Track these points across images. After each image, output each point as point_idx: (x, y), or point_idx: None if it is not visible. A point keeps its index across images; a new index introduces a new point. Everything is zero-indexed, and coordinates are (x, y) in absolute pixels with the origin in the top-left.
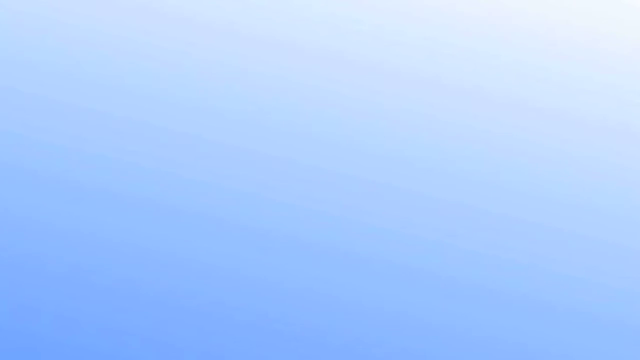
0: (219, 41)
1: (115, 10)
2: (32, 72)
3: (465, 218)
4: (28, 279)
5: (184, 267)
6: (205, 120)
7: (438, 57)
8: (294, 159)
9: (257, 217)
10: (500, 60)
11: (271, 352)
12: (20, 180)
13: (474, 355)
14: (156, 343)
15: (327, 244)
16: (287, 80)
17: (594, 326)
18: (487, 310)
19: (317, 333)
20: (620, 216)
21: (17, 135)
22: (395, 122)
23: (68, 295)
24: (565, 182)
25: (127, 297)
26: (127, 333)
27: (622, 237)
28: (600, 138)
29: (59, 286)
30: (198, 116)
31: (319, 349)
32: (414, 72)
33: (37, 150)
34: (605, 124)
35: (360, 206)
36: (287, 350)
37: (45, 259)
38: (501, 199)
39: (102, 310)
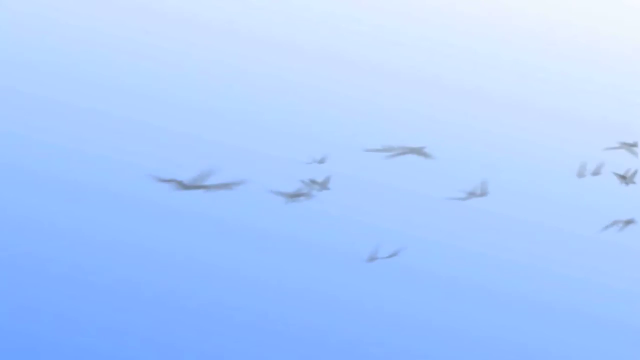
0: (219, 41)
1: (115, 10)
2: (32, 72)
3: (465, 218)
4: (28, 279)
5: (184, 267)
6: (205, 120)
7: (438, 57)
8: (293, 159)
9: (257, 217)
10: (500, 60)
11: (271, 352)
12: (20, 180)
13: (474, 355)
14: (156, 343)
15: (327, 244)
16: (287, 81)
17: (594, 326)
18: (487, 310)
19: (317, 333)
20: (620, 216)
21: (17, 135)
22: (396, 122)
23: (68, 295)
24: (565, 182)
25: (127, 297)
26: (127, 333)
27: (622, 237)
28: (601, 138)
29: (59, 286)
30: (198, 116)
31: (319, 349)
32: (414, 72)
33: (37, 150)
34: (605, 124)
35: (360, 206)
36: (287, 350)
37: (46, 259)
38: (501, 199)
39: (102, 310)
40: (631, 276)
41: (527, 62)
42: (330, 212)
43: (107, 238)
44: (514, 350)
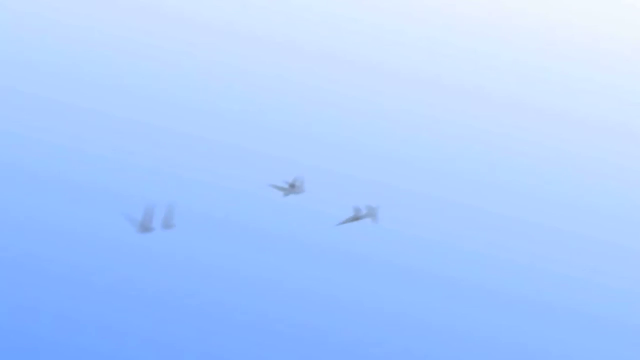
0: (219, 41)
1: (115, 10)
2: (32, 72)
3: (465, 218)
4: (28, 279)
5: (184, 266)
6: (205, 120)
7: (438, 57)
8: (293, 159)
9: (257, 217)
10: (500, 60)
11: (271, 352)
12: (20, 180)
13: (474, 355)
14: (156, 343)
15: (327, 245)
16: (287, 81)
17: (594, 326)
18: (487, 310)
19: (317, 333)
20: (620, 216)
21: (17, 135)
22: (395, 122)
23: (68, 295)
24: (565, 182)
25: (127, 297)
26: (127, 333)
27: (622, 237)
28: (600, 138)
29: (59, 286)
30: (198, 116)
31: (319, 349)
32: (414, 72)
33: (37, 150)
34: (605, 124)
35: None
36: (287, 350)
37: (46, 259)
38: (502, 199)
39: (102, 310)
40: (631, 276)
41: (527, 62)
42: (328, 211)
43: (107, 238)
44: (514, 350)
